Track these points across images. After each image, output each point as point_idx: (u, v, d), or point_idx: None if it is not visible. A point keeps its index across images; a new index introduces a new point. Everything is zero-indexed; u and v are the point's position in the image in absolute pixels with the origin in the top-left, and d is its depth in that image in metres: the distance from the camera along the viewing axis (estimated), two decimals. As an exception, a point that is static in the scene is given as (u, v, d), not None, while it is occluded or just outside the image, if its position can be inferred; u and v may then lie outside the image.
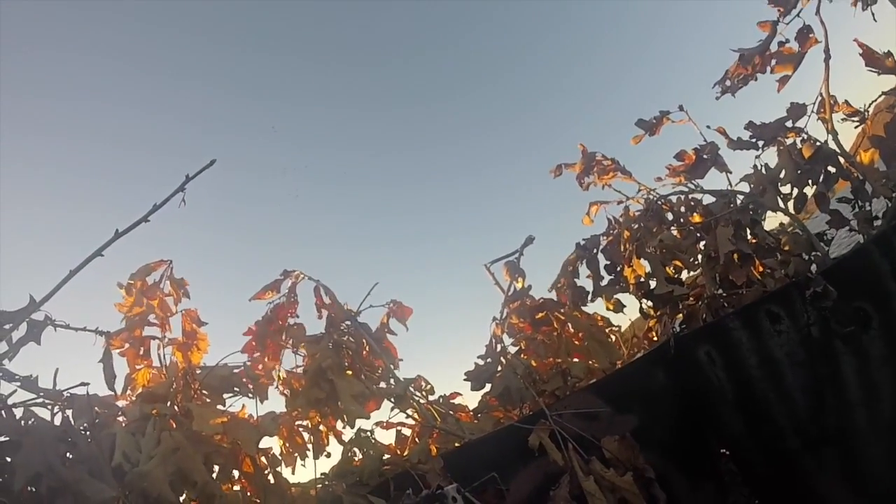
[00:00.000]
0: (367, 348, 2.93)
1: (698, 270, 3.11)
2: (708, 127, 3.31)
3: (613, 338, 3.37)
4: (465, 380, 3.01)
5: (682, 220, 3.24)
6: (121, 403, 2.72)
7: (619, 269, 3.27)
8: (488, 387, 2.99)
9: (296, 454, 2.82)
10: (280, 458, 2.74)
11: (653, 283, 3.07)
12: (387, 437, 3.06)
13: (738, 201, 3.14)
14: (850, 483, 2.47)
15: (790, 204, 3.05)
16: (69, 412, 2.24)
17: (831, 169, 2.91)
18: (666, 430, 2.60)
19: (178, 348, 2.95)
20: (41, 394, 2.28)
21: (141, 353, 2.89)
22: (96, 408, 2.36)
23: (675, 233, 3.22)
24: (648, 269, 3.13)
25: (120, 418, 2.46)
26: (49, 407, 2.24)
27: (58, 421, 2.17)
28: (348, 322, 2.99)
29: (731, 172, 3.34)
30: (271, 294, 3.19)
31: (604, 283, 3.28)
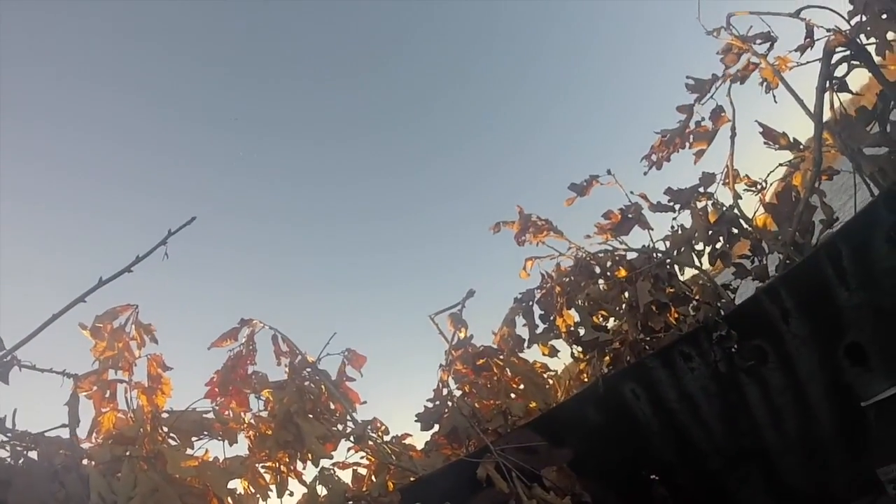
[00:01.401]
0: (325, 393, 3.15)
1: (623, 318, 3.47)
2: (632, 192, 3.74)
3: (550, 381, 3.70)
4: (415, 421, 3.28)
5: (608, 273, 3.62)
6: (84, 446, 2.83)
7: (552, 318, 3.62)
8: (437, 427, 3.24)
9: (258, 495, 2.98)
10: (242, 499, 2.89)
11: (582, 331, 3.43)
12: (344, 477, 3.26)
13: (658, 256, 3.55)
14: (770, 493, 2.87)
15: (703, 259, 3.49)
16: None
17: (734, 230, 3.37)
18: (601, 461, 2.95)
19: (143, 392, 3.08)
20: (8, 434, 2.39)
21: (107, 396, 3.00)
22: (62, 450, 2.49)
23: (602, 285, 3.59)
24: (578, 318, 3.49)
25: (85, 461, 2.57)
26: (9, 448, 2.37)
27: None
28: (309, 369, 3.20)
29: (652, 229, 3.77)
30: (230, 342, 3.37)
31: (539, 331, 3.62)
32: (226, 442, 2.84)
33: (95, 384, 2.96)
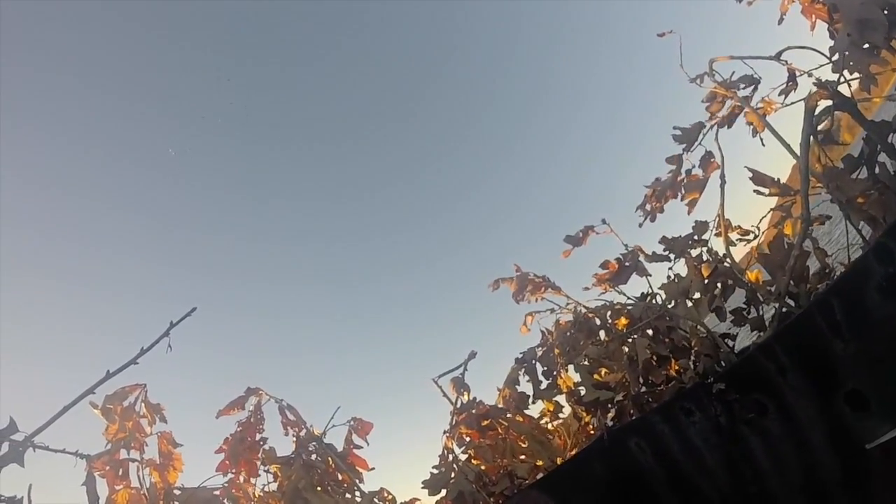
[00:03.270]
0: (332, 466, 3.20)
1: (624, 371, 3.49)
2: (626, 245, 3.79)
3: (557, 431, 3.73)
4: (422, 487, 3.31)
5: (608, 324, 3.66)
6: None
7: (554, 373, 3.66)
8: (444, 492, 3.28)
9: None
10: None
11: (583, 391, 3.46)
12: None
13: (656, 304, 3.58)
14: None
15: (700, 309, 3.51)
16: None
17: (729, 282, 3.41)
18: (609, 513, 2.97)
19: (155, 469, 3.14)
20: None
21: (120, 473, 3.07)
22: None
23: (602, 336, 3.63)
24: (578, 378, 3.52)
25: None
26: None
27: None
28: (315, 443, 3.25)
29: (650, 275, 3.82)
30: (237, 410, 3.43)
31: (542, 387, 3.66)
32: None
33: (108, 464, 3.03)
